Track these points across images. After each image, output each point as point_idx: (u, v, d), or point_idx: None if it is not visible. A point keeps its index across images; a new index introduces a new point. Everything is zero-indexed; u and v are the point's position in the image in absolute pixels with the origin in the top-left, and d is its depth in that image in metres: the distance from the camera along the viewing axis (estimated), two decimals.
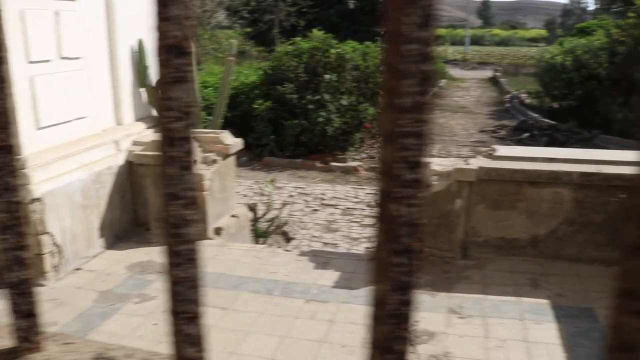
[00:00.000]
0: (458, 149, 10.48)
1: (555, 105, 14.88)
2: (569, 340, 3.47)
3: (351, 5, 27.08)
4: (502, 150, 4.53)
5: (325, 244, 6.66)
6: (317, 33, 10.80)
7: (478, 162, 4.26)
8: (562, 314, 3.74)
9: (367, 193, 8.27)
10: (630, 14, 12.62)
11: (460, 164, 4.24)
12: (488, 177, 4.21)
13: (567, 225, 4.27)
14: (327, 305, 3.91)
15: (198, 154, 5.16)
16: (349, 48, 10.57)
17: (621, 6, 14.31)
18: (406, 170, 0.47)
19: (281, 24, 22.24)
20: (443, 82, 21.22)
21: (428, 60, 0.43)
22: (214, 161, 5.18)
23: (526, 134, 11.67)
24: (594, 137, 11.78)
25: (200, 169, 5.02)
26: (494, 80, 22.88)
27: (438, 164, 4.47)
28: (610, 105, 12.56)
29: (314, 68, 10.01)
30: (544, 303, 3.87)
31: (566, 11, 71.52)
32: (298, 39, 10.88)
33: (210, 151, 5.24)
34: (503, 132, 12.22)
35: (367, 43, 11.91)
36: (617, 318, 0.38)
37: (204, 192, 4.95)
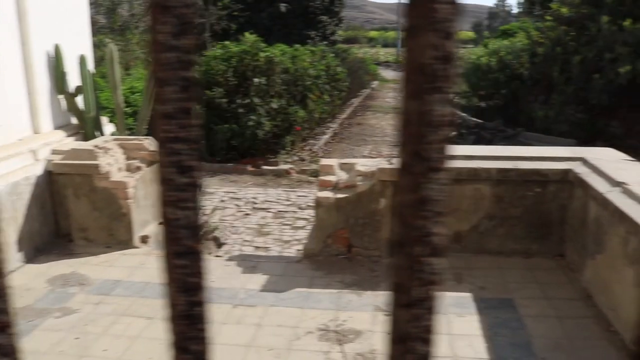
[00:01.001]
0: (389, 149, 10.64)
1: (482, 104, 15.33)
2: (490, 330, 3.58)
3: (283, 9, 27.12)
4: None
5: (257, 247, 6.61)
6: (249, 37, 10.74)
7: None
8: (484, 306, 3.86)
9: (299, 195, 8.27)
10: (548, 18, 13.15)
11: (383, 163, 4.31)
12: None
13: (488, 220, 4.41)
14: (254, 309, 3.89)
15: (122, 161, 5.04)
16: (278, 51, 10.56)
17: (540, 10, 14.88)
18: (178, 175, 0.48)
19: (212, 28, 22.02)
20: (375, 84, 21.51)
21: (189, 68, 0.44)
22: (139, 168, 5.07)
23: (454, 133, 11.97)
24: (518, 134, 12.20)
25: (124, 176, 4.91)
26: None
27: (362, 164, 4.53)
28: (532, 104, 13.05)
29: (243, 72, 9.95)
30: (466, 296, 3.98)
31: (492, 14, 73.92)
32: (227, 42, 10.80)
33: (135, 158, 5.13)
34: None
35: (297, 46, 11.95)
36: (393, 311, 0.39)
37: (128, 200, 4.83)
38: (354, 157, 10.14)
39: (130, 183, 4.86)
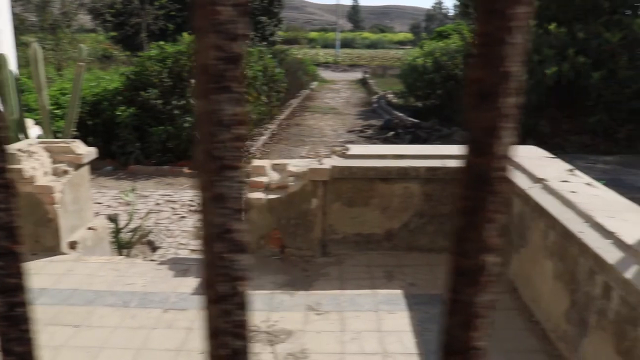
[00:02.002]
0: (327, 149, 10.70)
1: (419, 104, 15.65)
2: (419, 326, 3.66)
3: None
4: (355, 149, 4.69)
5: (193, 250, 6.55)
6: (187, 37, 10.59)
7: (331, 162, 4.38)
8: (414, 302, 3.94)
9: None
10: None
11: (314, 164, 4.33)
12: (341, 175, 4.34)
13: (418, 217, 4.49)
14: (185, 312, 3.84)
15: (47, 165, 4.88)
16: None
17: (474, 12, 15.32)
18: None
19: (149, 28, 21.59)
20: (314, 85, 21.60)
21: None
22: (65, 172, 4.92)
23: (391, 133, 12.17)
24: (454, 133, 12.51)
25: (49, 180, 4.75)
26: (363, 82, 23.64)
27: (294, 165, 4.55)
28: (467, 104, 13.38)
29: (179, 73, 9.82)
30: (397, 293, 4.05)
31: (429, 16, 75.50)
32: (162, 43, 10.63)
33: (61, 161, 4.98)
34: (370, 132, 12.65)
35: None
36: (205, 307, 0.40)
37: (55, 205, 4.68)
38: (292, 157, 10.16)
39: (57, 187, 4.71)
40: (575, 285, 3.16)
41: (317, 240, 4.49)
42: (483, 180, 0.33)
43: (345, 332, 3.58)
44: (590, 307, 2.99)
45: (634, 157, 10.96)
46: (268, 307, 3.89)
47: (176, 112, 9.54)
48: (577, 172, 4.12)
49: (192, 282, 4.29)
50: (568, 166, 4.24)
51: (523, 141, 9.90)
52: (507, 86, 0.32)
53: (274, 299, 4.03)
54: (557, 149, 11.82)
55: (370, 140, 11.80)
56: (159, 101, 9.59)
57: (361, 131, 12.71)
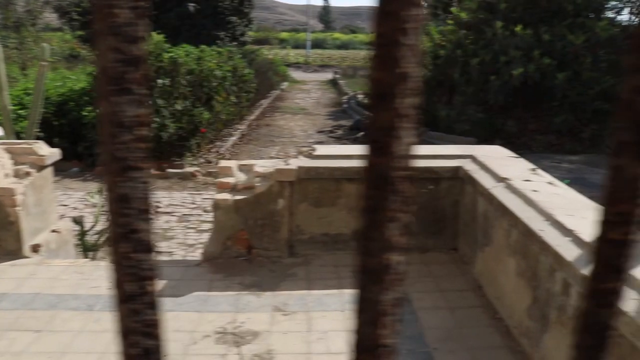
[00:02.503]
0: (297, 150, 10.70)
1: None
2: None
3: (191, 9, 26.65)
4: (321, 149, 4.70)
5: (160, 252, 6.48)
6: (156, 37, 10.47)
7: (298, 162, 4.38)
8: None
9: (204, 198, 8.18)
10: (449, 22, 13.68)
11: (280, 164, 4.33)
12: (308, 176, 4.34)
13: None
14: None
15: (9, 166, 4.79)
16: (182, 52, 10.38)
17: (443, 14, 15.42)
18: None
19: None
20: (285, 85, 21.58)
21: None
22: (28, 174, 4.83)
23: (361, 133, 12.22)
24: (422, 133, 12.60)
25: (11, 182, 4.66)
26: (333, 82, 23.69)
27: (261, 165, 4.54)
28: (436, 104, 13.54)
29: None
30: None
31: None
32: None
33: (23, 163, 4.88)
34: (340, 132, 12.69)
35: (203, 47, 11.78)
36: (116, 306, 0.40)
37: (16, 208, 4.59)
38: (262, 158, 10.13)
39: (18, 189, 4.62)
40: (537, 282, 3.22)
41: (284, 241, 4.48)
42: (384, 179, 0.34)
43: (312, 332, 3.58)
44: (550, 303, 3.04)
45: (598, 157, 11.19)
46: (234, 309, 3.87)
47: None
48: (540, 171, 4.19)
49: (157, 284, 4.24)
50: (531, 165, 4.31)
51: (491, 141, 10.04)
52: (404, 87, 0.32)
53: (240, 300, 4.01)
54: (524, 148, 12.02)
55: (340, 140, 11.83)
56: None
57: (331, 132, 12.74)
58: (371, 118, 0.34)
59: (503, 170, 4.07)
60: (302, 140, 11.60)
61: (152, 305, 0.39)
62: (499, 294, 3.79)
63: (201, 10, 26.97)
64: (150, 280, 0.38)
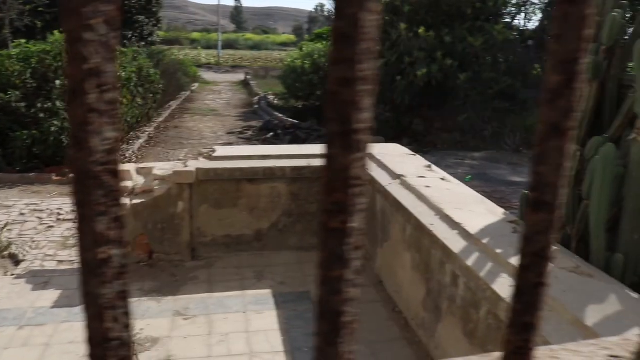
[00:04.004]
0: (207, 151, 10.53)
1: (300, 105, 15.81)
2: (287, 324, 3.69)
3: None
4: (221, 150, 4.65)
5: (60, 262, 6.19)
6: (58, 35, 9.99)
7: (197, 164, 4.32)
8: (282, 301, 3.97)
9: None
10: None
11: (179, 166, 4.25)
12: (207, 177, 4.29)
13: (286, 217, 4.54)
14: (43, 328, 3.63)
15: None
16: None
17: None
18: None
19: (13, 24, 20.21)
20: (195, 86, 21.23)
21: None
22: None
23: (271, 134, 12.20)
24: None
25: None
26: (245, 83, 23.54)
27: (160, 168, 4.44)
28: None
29: (44, 73, 9.26)
30: (266, 293, 4.06)
31: (312, 18, 76.62)
32: (23, 41, 9.99)
33: None
34: (250, 133, 12.62)
35: None
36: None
37: None
38: (170, 160, 9.91)
39: None
40: (430, 274, 3.33)
41: (186, 244, 4.41)
42: (86, 174, 0.33)
43: (213, 335, 3.54)
44: (442, 294, 3.16)
45: (498, 153, 11.72)
46: (133, 316, 3.76)
47: (41, 115, 8.99)
48: (434, 167, 4.34)
49: (52, 295, 4.07)
50: (426, 162, 4.45)
51: (399, 139, 10.25)
52: (96, 82, 0.32)
53: (140, 306, 3.91)
54: (431, 146, 12.43)
55: (250, 141, 11.77)
56: (22, 104, 9.00)
57: (241, 133, 12.65)
58: (68, 114, 0.33)
59: (399, 168, 4.18)
60: (212, 141, 11.43)
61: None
62: (398, 288, 3.89)
63: None
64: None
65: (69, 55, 0.31)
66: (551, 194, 0.40)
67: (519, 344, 0.44)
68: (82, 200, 0.33)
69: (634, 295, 2.35)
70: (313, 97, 15.13)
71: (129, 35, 26.58)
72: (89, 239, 0.34)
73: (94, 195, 0.33)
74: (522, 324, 0.43)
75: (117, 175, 0.33)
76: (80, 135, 0.32)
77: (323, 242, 0.38)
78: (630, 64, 3.11)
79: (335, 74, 0.34)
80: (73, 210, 0.35)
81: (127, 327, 0.36)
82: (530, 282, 0.42)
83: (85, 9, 0.30)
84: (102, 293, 0.34)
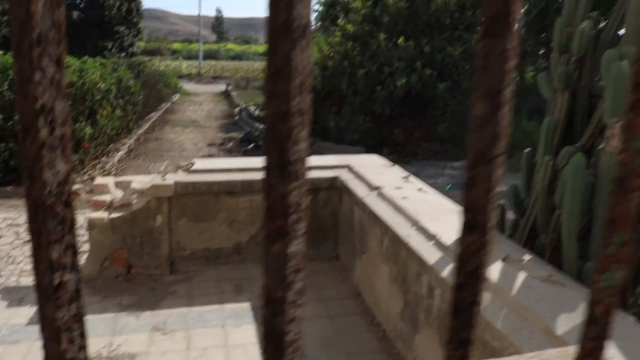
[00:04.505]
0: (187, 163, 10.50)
1: None
2: None
3: (75, 17, 25.58)
4: (200, 163, 4.66)
5: None
6: None
7: (175, 177, 4.32)
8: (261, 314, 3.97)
9: (87, 217, 7.84)
10: (337, 33, 14.00)
11: (157, 180, 4.25)
12: (186, 191, 4.29)
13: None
14: (18, 345, 3.59)
15: None
16: None
17: (332, 26, 15.73)
18: None
19: None
20: (176, 97, 21.18)
21: None
22: None
23: (252, 145, 12.21)
24: (313, 143, 12.80)
25: None
26: (226, 94, 23.53)
27: (138, 181, 4.43)
28: (325, 115, 13.81)
29: None
30: (245, 306, 4.06)
31: None
32: (1, 52, 9.93)
33: None
34: (231, 144, 12.61)
35: (85, 58, 11.34)
36: None
37: None
38: (150, 173, 9.87)
39: None
40: (407, 286, 3.36)
41: (165, 258, 4.39)
42: (40, 205, 0.35)
43: (191, 350, 3.53)
44: (419, 305, 3.19)
45: None
46: (111, 331, 3.74)
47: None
48: (412, 178, 4.38)
49: (28, 312, 4.02)
50: (404, 173, 4.49)
51: (379, 149, 10.30)
52: (47, 119, 0.34)
53: (118, 321, 3.89)
54: (411, 155, 12.52)
55: (230, 153, 11.76)
56: (0, 116, 8.94)
57: (222, 144, 12.63)
58: (21, 150, 0.35)
59: (377, 179, 4.22)
60: (192, 153, 11.41)
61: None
62: (376, 300, 3.92)
63: (86, 20, 25.97)
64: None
65: (20, 94, 0.33)
66: (482, 216, 0.42)
67: (457, 359, 0.46)
68: (37, 229, 0.36)
69: None
70: None
71: (109, 46, 26.53)
72: (44, 265, 0.36)
73: (48, 224, 0.35)
74: (459, 339, 0.46)
75: (69, 205, 0.35)
76: (33, 169, 0.34)
77: (266, 265, 0.41)
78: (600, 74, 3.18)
79: (270, 108, 0.37)
80: (29, 239, 0.37)
81: (82, 348, 0.37)
82: (465, 301, 0.45)
83: (34, 51, 0.33)
84: (57, 316, 0.36)
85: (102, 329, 3.78)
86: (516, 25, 0.37)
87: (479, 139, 0.41)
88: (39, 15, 0.31)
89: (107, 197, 4.38)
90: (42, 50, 0.32)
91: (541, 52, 14.95)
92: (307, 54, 0.36)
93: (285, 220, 0.39)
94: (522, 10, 14.76)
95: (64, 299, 0.37)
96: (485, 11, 0.39)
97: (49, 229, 0.35)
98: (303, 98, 0.36)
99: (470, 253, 0.44)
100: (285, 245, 0.39)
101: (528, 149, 3.54)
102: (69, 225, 0.35)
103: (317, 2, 15.91)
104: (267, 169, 0.37)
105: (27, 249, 6.91)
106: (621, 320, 2.22)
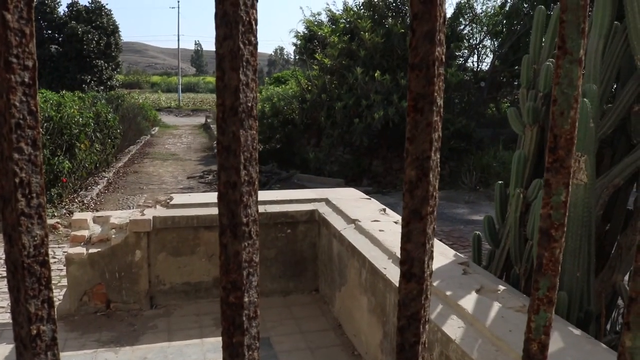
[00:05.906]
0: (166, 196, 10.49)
1: (260, 148, 15.93)
2: None
3: (53, 50, 25.58)
4: (178, 198, 4.68)
5: None
6: None
7: (154, 212, 4.34)
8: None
9: (64, 251, 7.77)
10: (315, 67, 14.21)
11: (136, 215, 4.26)
12: (165, 225, 4.31)
13: None
14: None
15: None
16: (39, 98, 9.92)
17: (310, 59, 15.94)
18: None
19: None
20: (155, 130, 21.19)
21: None
22: None
23: None
24: (292, 175, 12.86)
25: None
26: (205, 127, 23.60)
27: (117, 216, 4.44)
28: (305, 147, 13.92)
29: None
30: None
31: (271, 61, 77.68)
32: None
33: None
34: (210, 177, 12.63)
35: (63, 92, 11.35)
36: None
37: None
38: (129, 207, 9.84)
39: None
40: (386, 317, 3.39)
41: (144, 293, 4.38)
42: (19, 265, 0.40)
43: None
44: None
45: (456, 192, 11.97)
46: None
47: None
48: (389, 211, 4.45)
49: (4, 350, 3.97)
50: (381, 206, 4.56)
51: (359, 180, 10.35)
52: (25, 192, 0.39)
53: (97, 358, 3.85)
54: (390, 186, 12.63)
55: (210, 185, 11.77)
56: None
57: (201, 177, 12.65)
58: (2, 218, 0.40)
59: (354, 212, 4.28)
60: (172, 186, 11.41)
61: None
62: (356, 331, 3.94)
63: (65, 53, 26.00)
64: None
65: (0, 170, 0.38)
66: (419, 267, 0.48)
67: None
68: (16, 286, 0.40)
69: (576, 331, 2.46)
70: (273, 140, 15.29)
71: (88, 80, 26.55)
72: (22, 318, 0.40)
73: (26, 281, 0.40)
74: None
75: (45, 264, 0.39)
76: (13, 234, 0.39)
77: (223, 313, 0.45)
78: None
79: (223, 178, 0.42)
80: (8, 294, 0.42)
81: None
82: (409, 341, 0.50)
83: (12, 135, 0.38)
84: None
85: None
86: (439, 102, 0.43)
87: (411, 200, 0.47)
88: (17, 104, 0.36)
89: (85, 233, 4.38)
90: (19, 135, 0.37)
91: (515, 83, 15.27)
92: (253, 131, 0.41)
93: (239, 274, 0.44)
94: (496, 44, 15.14)
95: (40, 347, 0.41)
96: (411, 90, 0.45)
97: (27, 285, 0.40)
98: (251, 169, 0.42)
99: (410, 299, 0.49)
100: (240, 296, 0.44)
101: (500, 182, 3.63)
102: (45, 282, 0.40)
103: (295, 36, 16.13)
104: (221, 229, 0.42)
105: (4, 285, 6.82)
106: (592, 348, 2.28)
